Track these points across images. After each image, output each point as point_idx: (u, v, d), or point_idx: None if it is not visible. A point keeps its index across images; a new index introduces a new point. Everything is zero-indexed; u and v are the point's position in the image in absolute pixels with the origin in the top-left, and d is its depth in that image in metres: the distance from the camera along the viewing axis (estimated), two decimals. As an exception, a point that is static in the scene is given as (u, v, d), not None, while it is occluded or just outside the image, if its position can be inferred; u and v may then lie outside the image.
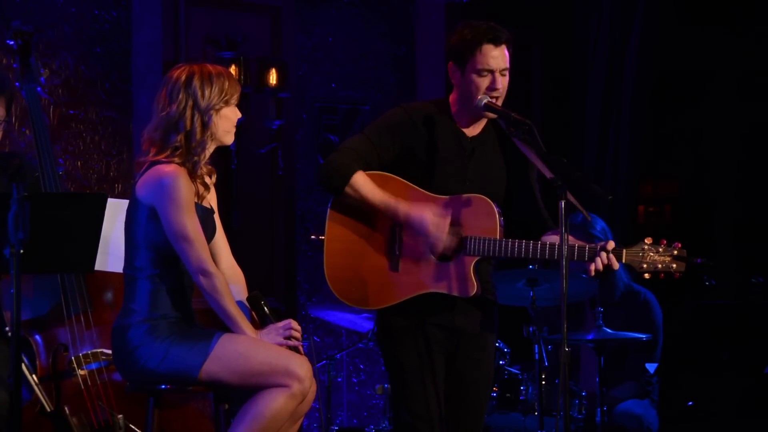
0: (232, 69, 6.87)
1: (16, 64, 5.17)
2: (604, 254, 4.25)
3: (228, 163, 6.91)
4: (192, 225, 4.16)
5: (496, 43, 4.32)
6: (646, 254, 4.28)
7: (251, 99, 7.01)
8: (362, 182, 4.36)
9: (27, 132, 6.15)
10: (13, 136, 6.13)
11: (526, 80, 8.17)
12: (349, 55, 7.62)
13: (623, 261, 4.28)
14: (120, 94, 6.66)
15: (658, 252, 4.28)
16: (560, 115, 8.12)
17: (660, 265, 4.27)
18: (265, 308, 4.32)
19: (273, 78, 7.06)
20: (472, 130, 4.49)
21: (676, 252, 4.28)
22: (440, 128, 4.45)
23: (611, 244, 4.29)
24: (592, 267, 4.26)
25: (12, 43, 5.17)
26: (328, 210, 4.47)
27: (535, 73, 8.27)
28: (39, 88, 5.21)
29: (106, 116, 6.62)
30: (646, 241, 4.29)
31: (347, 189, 4.36)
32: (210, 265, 4.17)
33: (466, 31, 4.36)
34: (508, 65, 4.35)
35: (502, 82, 4.35)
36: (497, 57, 4.32)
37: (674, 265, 4.28)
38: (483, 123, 4.50)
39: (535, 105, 8.25)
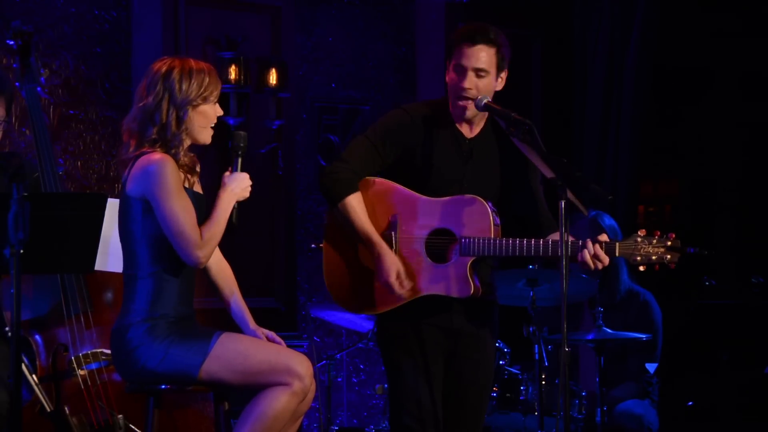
0: (232, 69, 6.87)
1: (16, 64, 5.16)
2: (590, 247, 4.23)
3: (228, 163, 6.88)
4: (183, 203, 4.14)
5: (472, 42, 4.36)
6: (639, 246, 4.26)
7: (251, 99, 7.00)
8: (354, 205, 4.39)
9: (27, 132, 6.15)
10: (13, 136, 6.13)
11: (526, 80, 8.16)
12: (349, 55, 7.62)
13: (617, 254, 4.26)
14: (120, 94, 6.66)
15: (651, 244, 4.26)
16: (560, 115, 8.11)
17: (654, 257, 4.25)
18: (240, 152, 4.43)
19: (273, 78, 7.05)
20: (471, 131, 4.49)
21: (669, 243, 4.26)
22: (439, 129, 4.45)
23: (603, 237, 4.27)
24: (586, 263, 4.24)
25: (12, 43, 5.17)
26: (327, 216, 4.50)
27: (535, 73, 8.26)
28: (39, 88, 5.20)
29: (106, 116, 6.62)
30: (639, 233, 4.27)
31: (339, 206, 4.39)
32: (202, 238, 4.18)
33: (457, 31, 4.45)
34: (486, 66, 4.36)
35: (473, 82, 4.36)
36: (470, 56, 4.36)
37: (668, 256, 4.26)
38: (482, 123, 4.50)
39: (535, 105, 8.24)
